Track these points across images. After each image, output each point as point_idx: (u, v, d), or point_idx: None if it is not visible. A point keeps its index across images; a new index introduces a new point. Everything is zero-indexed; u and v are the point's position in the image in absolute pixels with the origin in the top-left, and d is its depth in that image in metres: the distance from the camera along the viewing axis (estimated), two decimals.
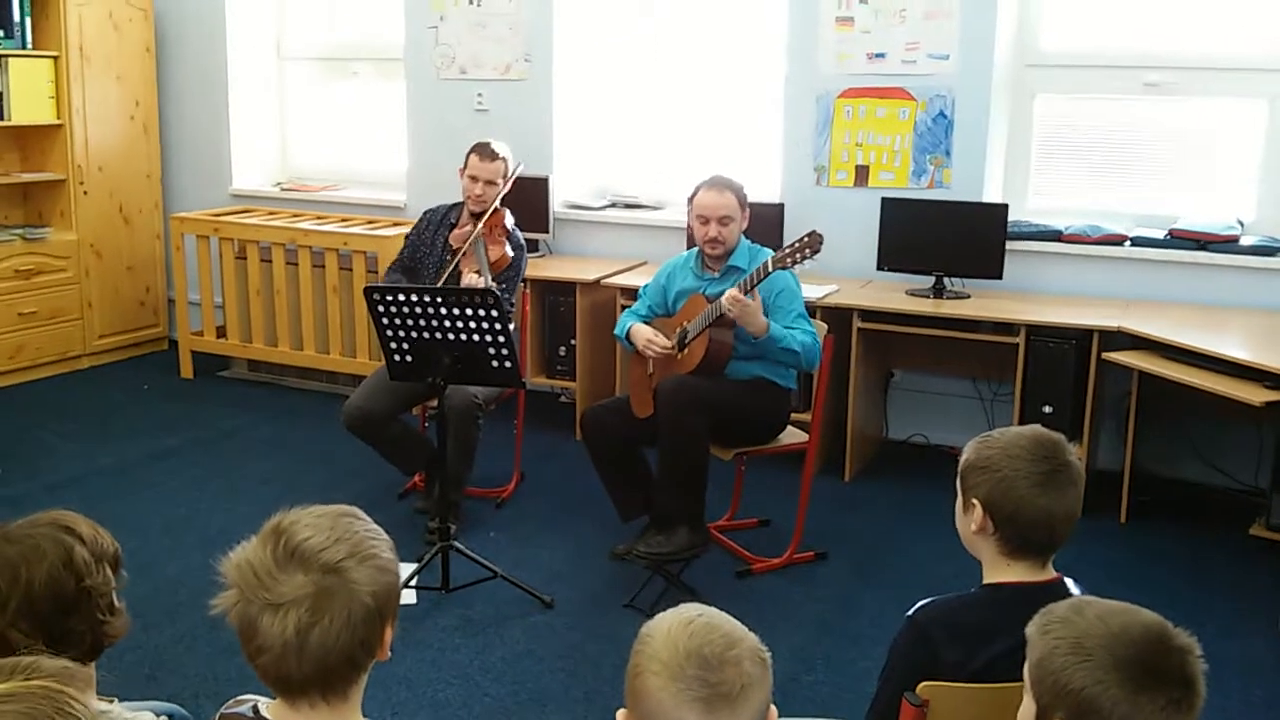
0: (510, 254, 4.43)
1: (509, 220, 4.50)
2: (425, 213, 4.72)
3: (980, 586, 2.00)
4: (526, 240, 5.68)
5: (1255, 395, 3.76)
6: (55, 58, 6.05)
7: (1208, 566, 4.12)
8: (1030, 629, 1.57)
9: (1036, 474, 1.92)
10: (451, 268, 4.37)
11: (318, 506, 1.59)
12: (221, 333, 6.27)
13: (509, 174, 4.48)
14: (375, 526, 1.60)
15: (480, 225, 4.39)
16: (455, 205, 4.64)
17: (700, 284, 4.05)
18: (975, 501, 1.96)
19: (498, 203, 4.48)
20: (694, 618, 1.46)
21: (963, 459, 2.03)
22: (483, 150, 4.47)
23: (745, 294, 3.69)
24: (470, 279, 4.25)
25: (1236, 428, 4.51)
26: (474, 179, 4.45)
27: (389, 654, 1.56)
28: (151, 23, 6.54)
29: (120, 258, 6.50)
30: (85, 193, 6.27)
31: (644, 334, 4.07)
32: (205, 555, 4.01)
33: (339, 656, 1.46)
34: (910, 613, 1.98)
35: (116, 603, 1.69)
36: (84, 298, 6.31)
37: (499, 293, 4.10)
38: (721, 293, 3.83)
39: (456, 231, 4.52)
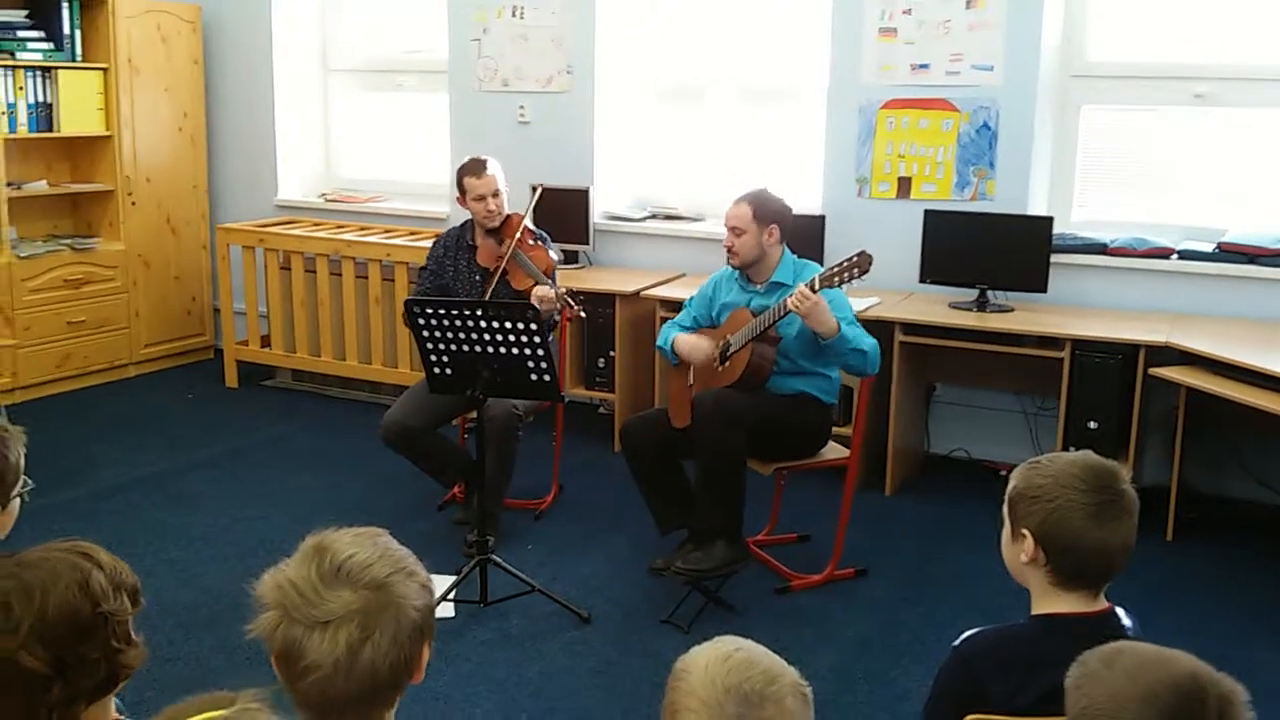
0: (553, 257, 4.49)
1: (527, 220, 4.51)
2: (437, 240, 4.70)
3: (1030, 617, 1.95)
4: (566, 252, 5.74)
5: None
6: (104, 70, 6.14)
7: (1256, 585, 4.04)
8: (1067, 682, 1.52)
9: (1092, 504, 1.86)
10: (494, 286, 4.39)
11: (350, 528, 1.58)
12: (266, 342, 6.33)
13: (502, 178, 4.49)
14: (407, 549, 1.59)
15: (512, 242, 4.39)
16: (465, 226, 4.62)
17: (745, 297, 4.03)
18: (1026, 532, 1.91)
19: (507, 209, 4.50)
20: (732, 652, 1.43)
21: (1011, 486, 1.97)
22: (473, 169, 4.45)
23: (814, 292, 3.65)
24: (542, 291, 4.24)
25: None
26: (479, 198, 4.43)
27: (422, 676, 1.55)
28: (199, 35, 6.62)
29: (167, 268, 6.58)
30: (133, 203, 6.36)
31: (688, 341, 4.06)
32: (246, 565, 4.07)
33: (387, 674, 1.46)
34: (956, 643, 1.94)
35: (134, 634, 1.63)
36: (131, 307, 6.39)
37: (567, 294, 4.23)
38: (765, 307, 3.82)
39: (482, 252, 4.51)
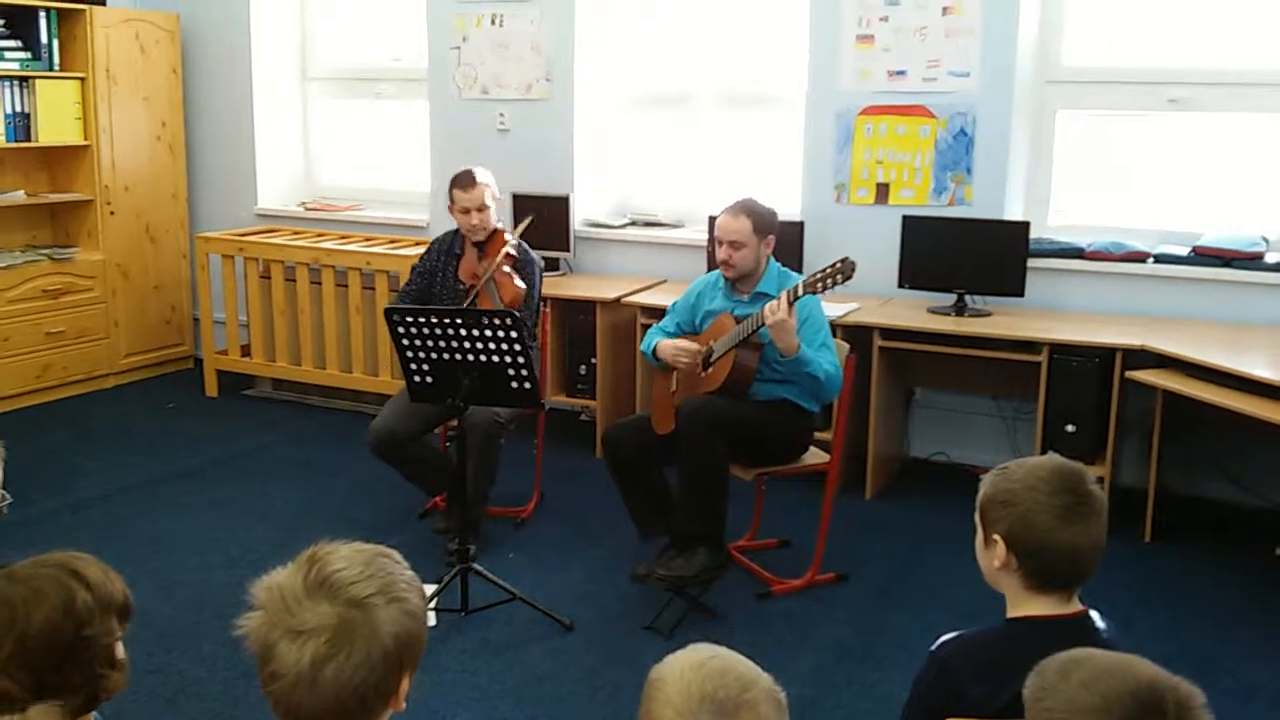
0: (520, 287, 4.40)
1: (511, 242, 4.44)
2: (432, 243, 4.71)
3: (1004, 621, 1.97)
4: (547, 259, 5.75)
5: None
6: (82, 79, 6.12)
7: (1234, 586, 4.08)
8: (1025, 693, 1.51)
9: (1060, 506, 1.88)
10: (469, 300, 4.40)
11: (358, 543, 1.57)
12: (246, 351, 6.32)
13: (495, 193, 4.49)
14: (411, 573, 1.57)
15: (491, 267, 4.37)
16: (456, 232, 4.62)
17: (729, 305, 4.04)
18: (997, 537, 1.92)
19: (495, 224, 4.49)
20: (706, 660, 1.43)
21: (981, 493, 1.99)
22: (462, 181, 4.45)
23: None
24: None
25: (1262, 446, 4.46)
26: (465, 211, 4.44)
27: (404, 705, 1.52)
28: (178, 44, 6.61)
29: (147, 277, 6.57)
30: (112, 213, 6.34)
31: (670, 345, 4.07)
32: (228, 575, 4.07)
33: (351, 696, 1.44)
34: (933, 648, 1.95)
35: (119, 654, 1.61)
36: (110, 317, 6.37)
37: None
38: (748, 316, 3.83)
39: (464, 265, 4.52)
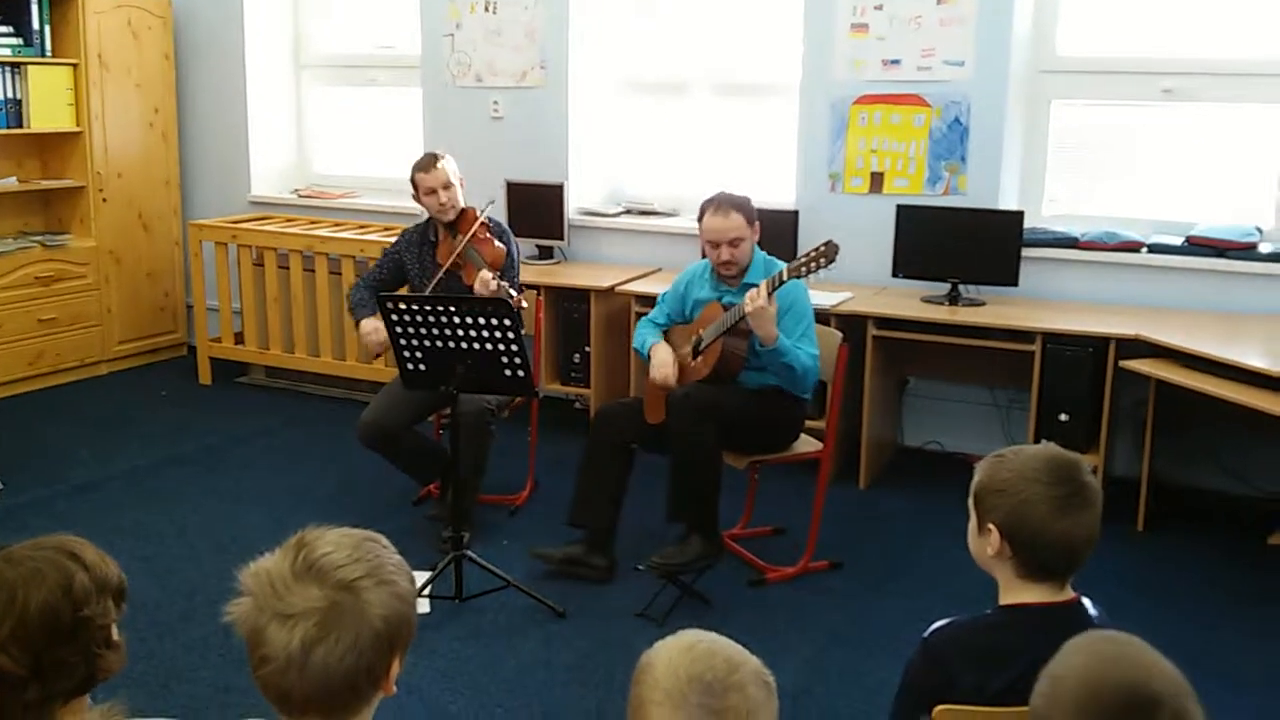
0: (501, 247, 4.44)
1: (481, 213, 4.46)
2: (404, 232, 4.70)
3: (996, 608, 1.97)
4: (541, 248, 5.78)
5: (1275, 404, 3.72)
6: (74, 65, 6.09)
7: (1226, 576, 4.09)
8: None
9: (1055, 497, 1.88)
10: (439, 277, 4.39)
11: (346, 528, 1.57)
12: (239, 339, 6.31)
13: (457, 173, 4.48)
14: (400, 558, 1.57)
15: (465, 238, 4.37)
16: (429, 222, 4.61)
17: (717, 293, 4.04)
18: (991, 525, 1.93)
19: (462, 203, 4.49)
20: (694, 643, 1.45)
21: (975, 480, 1.99)
22: (422, 164, 4.46)
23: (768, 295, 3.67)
24: (484, 277, 4.21)
25: (1255, 436, 4.47)
26: (430, 191, 4.43)
27: (394, 689, 1.52)
28: (170, 30, 6.58)
29: (139, 264, 6.55)
30: (105, 200, 6.32)
31: (658, 362, 4.01)
32: (220, 562, 4.07)
33: (341, 679, 1.44)
34: (925, 635, 1.96)
35: (115, 636, 1.62)
36: (103, 304, 6.35)
37: (508, 286, 4.14)
38: (736, 304, 3.83)
39: (442, 249, 4.49)
